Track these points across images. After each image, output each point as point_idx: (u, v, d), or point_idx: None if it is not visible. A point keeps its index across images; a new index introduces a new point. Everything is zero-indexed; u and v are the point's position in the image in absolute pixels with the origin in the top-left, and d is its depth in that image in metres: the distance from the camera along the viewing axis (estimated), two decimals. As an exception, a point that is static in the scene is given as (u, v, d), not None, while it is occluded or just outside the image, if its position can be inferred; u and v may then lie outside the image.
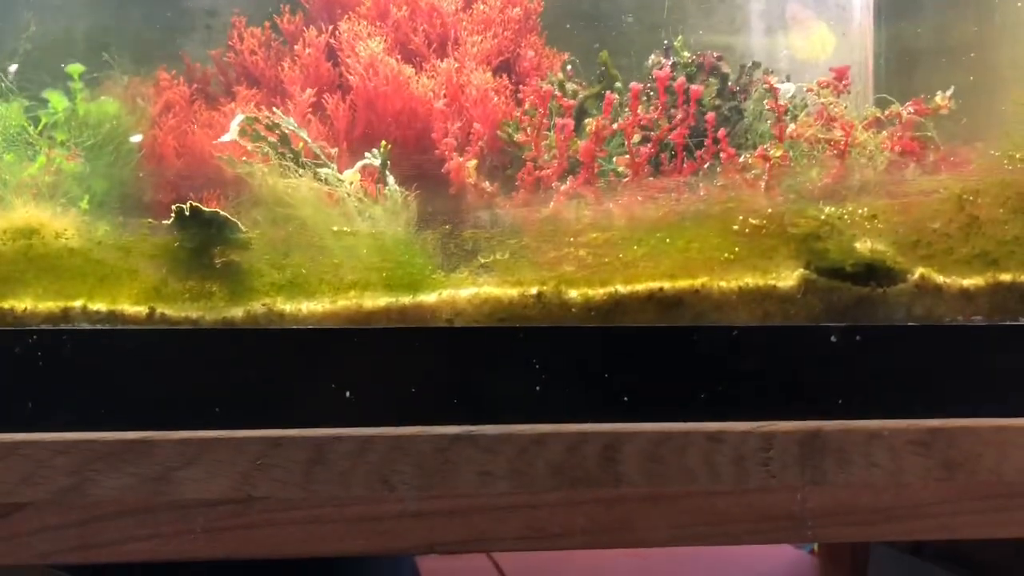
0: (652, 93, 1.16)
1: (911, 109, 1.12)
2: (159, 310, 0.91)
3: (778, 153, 1.00)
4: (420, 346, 0.89)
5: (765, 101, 1.13)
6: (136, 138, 1.25)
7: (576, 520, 0.88)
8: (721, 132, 1.03)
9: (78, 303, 0.91)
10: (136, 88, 1.28)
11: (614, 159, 1.08)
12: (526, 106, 1.18)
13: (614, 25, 1.44)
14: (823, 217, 0.96)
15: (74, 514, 0.84)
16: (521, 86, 1.25)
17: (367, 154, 1.14)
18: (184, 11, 1.48)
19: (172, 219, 0.92)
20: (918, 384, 0.93)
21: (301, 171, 1.06)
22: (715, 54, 1.25)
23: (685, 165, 1.05)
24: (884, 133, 1.05)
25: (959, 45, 1.31)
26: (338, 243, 0.96)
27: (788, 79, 1.19)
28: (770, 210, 0.96)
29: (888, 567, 1.55)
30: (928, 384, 0.93)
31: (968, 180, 0.98)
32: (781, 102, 1.03)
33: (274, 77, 1.33)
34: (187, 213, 0.90)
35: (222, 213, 0.92)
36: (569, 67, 1.33)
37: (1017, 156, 0.97)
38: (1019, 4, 1.26)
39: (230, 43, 1.41)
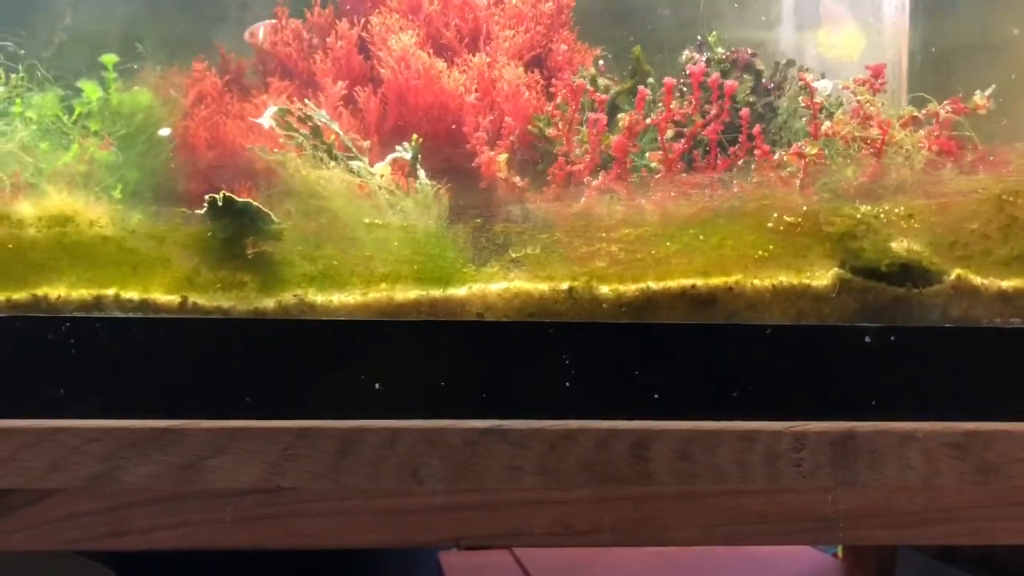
0: (686, 89, 1.15)
1: (949, 108, 1.10)
2: (191, 299, 0.91)
3: (813, 151, 0.99)
4: (450, 340, 0.89)
5: (800, 98, 1.12)
6: (166, 131, 1.26)
7: (604, 517, 0.88)
8: (756, 129, 1.02)
9: (111, 291, 0.92)
10: (170, 79, 1.29)
11: (647, 155, 1.07)
12: (558, 100, 1.17)
13: (647, 20, 1.44)
14: (859, 216, 0.94)
15: (104, 501, 0.85)
16: (553, 80, 1.24)
17: (398, 147, 1.14)
18: (219, 1, 1.49)
19: (205, 209, 0.92)
20: (954, 387, 0.92)
21: (333, 163, 1.06)
22: (749, 50, 1.24)
23: (719, 162, 1.04)
24: (921, 132, 1.04)
25: (997, 43, 1.29)
26: (369, 235, 0.96)
27: (823, 76, 1.18)
28: (805, 208, 0.95)
29: (917, 573, 1.53)
30: (964, 387, 0.92)
31: (1007, 180, 0.96)
32: (816, 99, 1.01)
33: (307, 69, 1.33)
34: (220, 203, 0.90)
35: (254, 203, 0.92)
36: (601, 62, 1.32)
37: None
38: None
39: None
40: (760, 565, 1.69)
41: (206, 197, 0.91)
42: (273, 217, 0.93)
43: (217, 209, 0.91)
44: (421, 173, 1.12)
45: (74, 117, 1.16)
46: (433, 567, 1.61)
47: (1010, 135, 1.09)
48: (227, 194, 0.90)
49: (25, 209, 0.93)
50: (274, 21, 1.36)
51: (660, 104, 1.07)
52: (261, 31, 1.36)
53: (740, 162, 1.03)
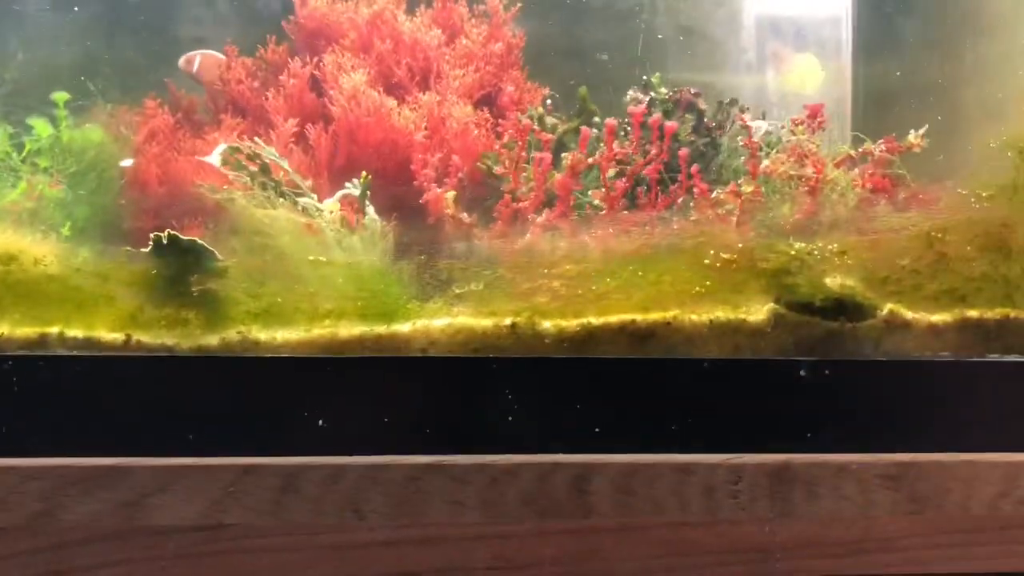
0: (628, 128, 1.18)
1: (883, 147, 1.14)
2: (135, 337, 0.92)
3: (749, 189, 1.02)
4: (393, 376, 0.90)
5: (740, 138, 1.15)
6: (127, 162, 1.26)
7: (546, 551, 0.89)
8: (694, 168, 1.05)
9: (55, 329, 0.92)
10: (121, 116, 1.30)
11: (590, 192, 1.09)
12: (505, 139, 1.19)
13: (595, 59, 1.47)
14: (793, 252, 0.97)
15: (45, 539, 0.84)
16: (501, 120, 1.27)
17: (347, 184, 1.15)
18: (172, 40, 1.50)
19: (150, 247, 0.92)
20: (887, 418, 0.94)
21: (281, 200, 1.08)
22: (692, 90, 1.28)
23: (659, 200, 1.07)
24: (856, 170, 1.07)
25: (931, 86, 1.34)
26: (315, 272, 0.97)
27: (764, 116, 1.21)
28: (741, 245, 0.98)
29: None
30: (896, 418, 0.94)
31: (936, 218, 1.00)
32: (754, 139, 1.04)
33: (259, 106, 1.35)
34: (165, 241, 0.91)
35: (200, 242, 0.92)
36: (549, 101, 1.35)
37: (984, 195, 0.99)
38: (985, 47, 1.29)
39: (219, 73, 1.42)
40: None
41: (151, 235, 0.92)
42: (218, 255, 0.94)
43: (162, 247, 0.91)
44: (370, 209, 1.14)
45: (23, 154, 1.16)
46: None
47: (941, 173, 1.13)
48: (172, 232, 0.91)
49: (-32, 247, 0.93)
50: (210, 52, 1.38)
51: (603, 144, 1.10)
52: (197, 60, 1.37)
53: (680, 200, 1.06)
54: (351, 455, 0.87)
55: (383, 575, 0.88)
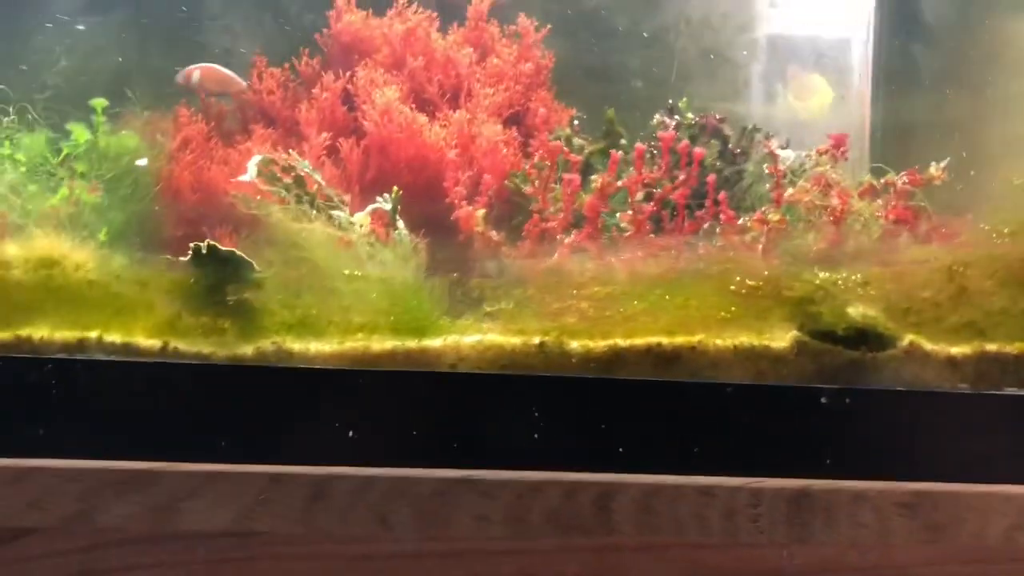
0: (656, 152, 1.20)
1: (905, 179, 1.16)
2: (172, 344, 0.94)
3: (776, 217, 1.03)
4: (423, 389, 0.92)
5: (765, 165, 1.17)
6: (142, 161, 1.28)
7: (569, 567, 0.90)
8: (721, 195, 1.07)
9: (94, 334, 0.94)
10: (155, 123, 1.32)
11: (617, 215, 1.11)
12: (535, 159, 1.21)
13: (623, 81, 1.49)
14: (817, 282, 0.99)
15: (79, 540, 0.86)
16: (530, 139, 1.29)
17: (378, 198, 1.17)
18: (203, 49, 1.52)
19: (189, 256, 0.94)
20: (905, 447, 0.96)
21: (315, 213, 1.10)
22: (717, 116, 1.30)
23: (686, 224, 1.09)
24: (879, 201, 1.09)
25: (953, 120, 1.36)
26: (348, 286, 0.99)
27: (788, 143, 1.23)
28: (766, 272, 1.00)
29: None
30: (914, 448, 0.96)
31: (958, 252, 1.02)
32: (780, 167, 1.06)
33: (289, 118, 1.37)
34: (204, 251, 0.93)
35: (238, 252, 0.95)
36: (576, 122, 1.37)
37: (1005, 231, 1.01)
38: (1010, 85, 1.31)
39: (248, 82, 1.45)
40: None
41: (191, 245, 0.94)
42: (255, 266, 0.96)
43: (201, 257, 0.93)
44: (400, 224, 1.16)
45: (60, 159, 1.19)
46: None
47: (962, 207, 1.15)
48: (212, 243, 0.93)
49: (11, 250, 0.95)
50: (208, 65, 1.40)
51: (632, 167, 1.12)
52: (195, 74, 1.39)
53: (706, 225, 1.08)
54: (380, 466, 0.89)
55: (408, 585, 0.90)
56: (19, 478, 0.84)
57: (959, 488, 0.93)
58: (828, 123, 1.59)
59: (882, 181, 1.13)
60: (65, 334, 0.93)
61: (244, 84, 1.38)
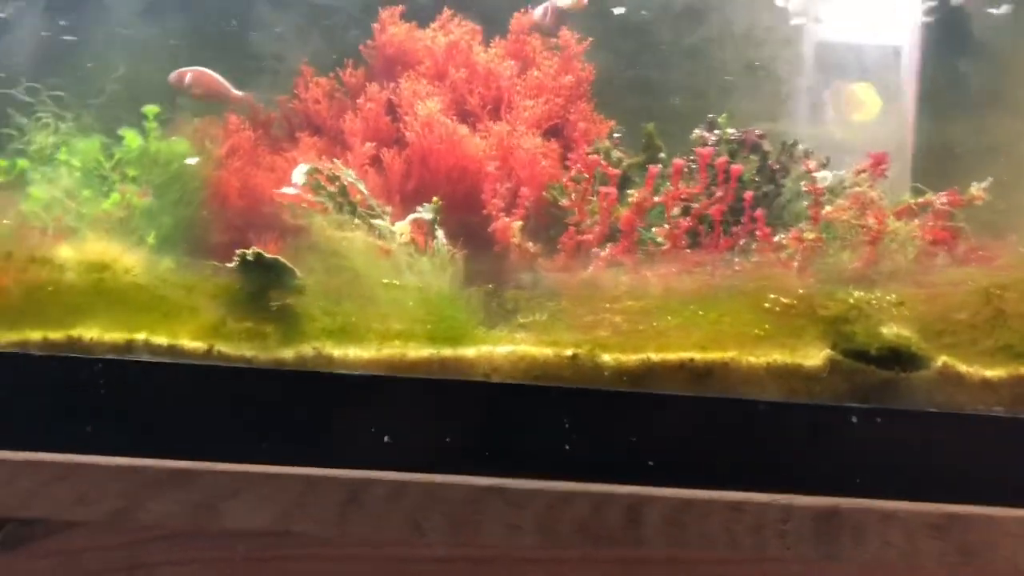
0: (694, 167, 1.21)
1: (944, 199, 1.15)
2: (217, 347, 0.97)
3: (812, 236, 1.04)
4: (457, 398, 0.94)
5: (803, 183, 1.17)
6: (192, 160, 1.32)
7: (596, 577, 0.92)
8: (759, 212, 1.07)
9: (141, 336, 0.97)
10: (205, 129, 1.36)
11: (653, 229, 1.12)
12: (573, 173, 1.23)
13: (663, 95, 1.50)
14: (851, 301, 0.99)
15: (124, 536, 0.89)
16: (569, 152, 1.30)
17: (418, 208, 1.19)
18: (252, 55, 1.56)
19: (236, 263, 0.97)
20: (936, 469, 0.95)
21: (357, 221, 1.12)
22: (757, 132, 1.30)
23: (722, 240, 1.09)
24: (916, 221, 1.09)
25: (998, 140, 1.35)
26: (387, 294, 1.02)
27: (828, 161, 1.23)
28: (801, 291, 1.00)
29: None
30: (946, 470, 0.95)
31: (996, 275, 1.01)
32: (823, 183, 1.07)
33: (335, 127, 1.40)
34: (250, 258, 0.96)
35: (282, 260, 0.97)
36: (616, 135, 1.39)
37: (1045, 254, 1.01)
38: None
39: (295, 91, 1.48)
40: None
41: (237, 252, 0.97)
42: (298, 273, 0.99)
43: (247, 264, 0.96)
44: (440, 233, 1.18)
45: (113, 163, 1.23)
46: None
47: (1002, 229, 1.14)
48: (257, 250, 0.96)
49: (66, 253, 0.99)
50: (199, 69, 1.43)
51: (668, 182, 1.13)
52: (188, 76, 1.42)
53: (742, 241, 1.09)
54: (413, 471, 0.91)
55: (439, 590, 0.92)
56: (67, 473, 0.88)
57: (993, 512, 0.93)
58: (874, 137, 1.58)
59: (920, 200, 1.13)
60: (114, 335, 0.97)
61: (239, 94, 1.41)
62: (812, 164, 1.16)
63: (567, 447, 0.93)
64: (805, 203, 1.15)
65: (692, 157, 1.23)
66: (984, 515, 0.93)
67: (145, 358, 0.97)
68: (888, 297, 1.01)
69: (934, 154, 1.49)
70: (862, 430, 0.95)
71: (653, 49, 1.56)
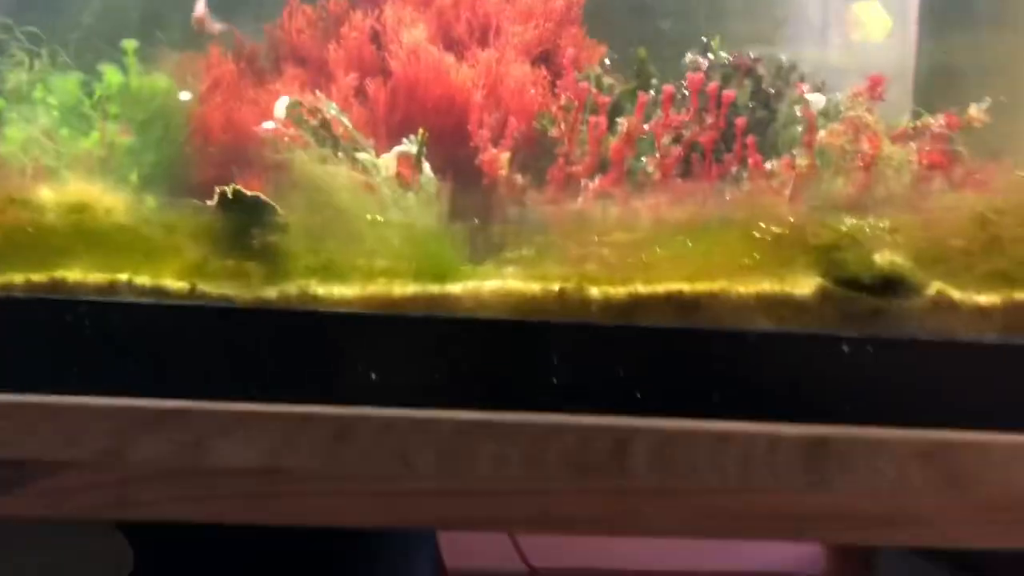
0: (687, 93, 1.18)
1: (943, 121, 1.13)
2: (199, 286, 0.96)
3: (804, 163, 1.02)
4: (443, 334, 0.93)
5: (797, 107, 1.14)
6: (186, 96, 1.29)
7: (585, 508, 0.92)
8: (749, 139, 1.05)
9: (124, 276, 0.96)
10: (186, 64, 1.33)
11: (644, 158, 1.10)
12: (562, 101, 1.20)
13: (658, 18, 1.46)
14: (844, 228, 0.98)
15: (112, 475, 0.90)
16: (558, 81, 1.27)
17: (404, 140, 1.17)
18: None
19: (215, 200, 0.96)
20: (927, 397, 0.95)
21: (340, 155, 1.10)
22: (752, 56, 1.27)
23: (713, 169, 1.07)
24: (913, 145, 1.07)
25: (997, 63, 1.31)
26: (371, 231, 1.00)
27: (823, 85, 1.20)
28: (792, 219, 0.98)
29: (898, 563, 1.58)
30: (937, 398, 0.95)
31: (993, 200, 0.99)
32: (812, 111, 1.04)
33: (319, 58, 1.37)
34: (230, 196, 0.94)
35: (263, 197, 0.96)
36: (607, 60, 1.35)
37: (1042, 177, 0.98)
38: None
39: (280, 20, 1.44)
40: (744, 547, 1.73)
41: (216, 189, 0.96)
42: (279, 210, 0.98)
43: (227, 201, 0.95)
44: (426, 167, 1.16)
45: (94, 101, 1.20)
46: (432, 546, 1.66)
47: (1000, 151, 1.12)
48: (237, 188, 0.95)
49: (45, 195, 0.98)
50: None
51: (659, 110, 1.10)
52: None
53: (734, 169, 1.06)
54: (401, 407, 0.91)
55: (428, 521, 0.93)
56: (54, 415, 0.88)
57: (981, 438, 0.93)
58: (876, 60, 1.54)
59: (917, 123, 1.10)
60: (97, 276, 0.96)
61: (219, 27, 1.37)
62: (805, 88, 1.14)
63: (555, 380, 0.93)
64: (800, 128, 1.12)
65: (685, 83, 1.21)
66: (972, 441, 0.93)
67: (129, 299, 0.96)
68: (881, 224, 0.99)
69: (937, 75, 1.45)
70: (853, 358, 0.94)
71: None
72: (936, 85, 1.44)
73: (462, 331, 0.94)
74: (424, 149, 1.17)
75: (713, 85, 1.09)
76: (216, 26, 1.43)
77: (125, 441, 0.88)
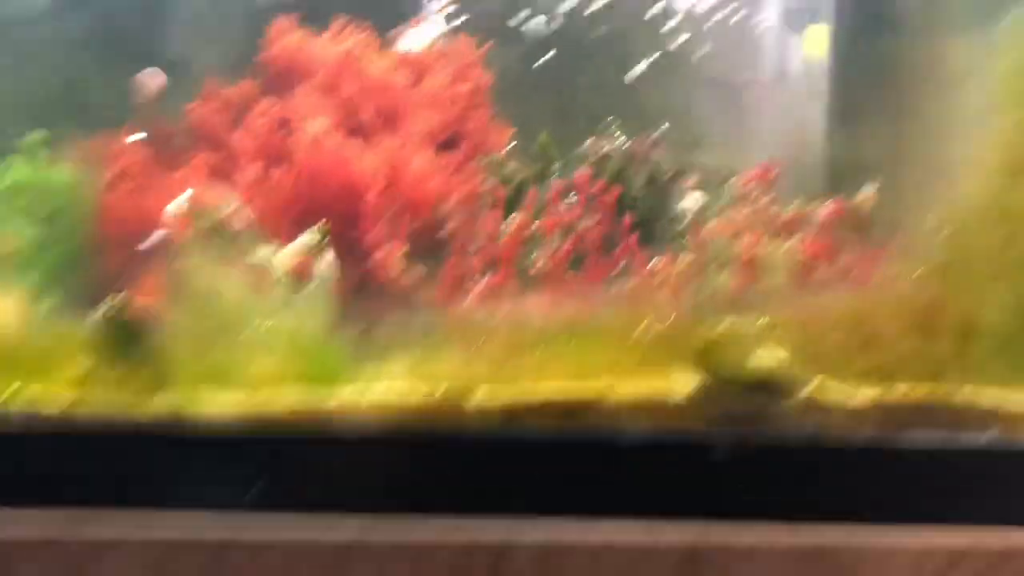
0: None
1: (830, 208, 1.15)
2: (83, 397, 0.96)
3: (687, 259, 1.04)
4: (324, 450, 0.94)
5: (679, 206, 1.16)
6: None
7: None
8: (632, 238, 1.07)
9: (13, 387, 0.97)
10: (93, 152, 1.33)
11: (534, 255, 1.12)
12: (457, 196, 1.21)
13: (560, 96, 1.48)
14: (721, 328, 0.99)
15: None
16: (455, 173, 1.28)
17: (304, 234, 1.18)
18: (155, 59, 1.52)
19: (100, 318, 0.97)
20: (805, 495, 0.97)
21: (235, 253, 1.11)
22: (651, 138, 1.28)
23: (600, 267, 1.09)
24: (796, 237, 1.09)
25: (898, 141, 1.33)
26: (258, 336, 1.01)
27: (702, 181, 1.22)
28: (672, 318, 1.00)
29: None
30: (815, 496, 0.97)
31: (867, 297, 1.01)
32: (692, 209, 1.06)
33: (228, 142, 1.38)
34: (111, 315, 0.95)
35: (138, 321, 0.96)
36: (513, 143, 1.37)
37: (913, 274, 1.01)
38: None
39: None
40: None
41: (101, 307, 0.96)
42: (164, 321, 0.98)
43: (108, 321, 0.96)
44: (327, 259, 1.17)
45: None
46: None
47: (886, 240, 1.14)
48: (117, 307, 0.95)
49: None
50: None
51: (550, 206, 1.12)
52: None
53: (621, 266, 1.08)
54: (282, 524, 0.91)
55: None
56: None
57: (858, 536, 0.94)
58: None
59: (802, 212, 1.12)
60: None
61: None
62: (688, 183, 1.16)
63: (433, 493, 0.94)
64: (685, 223, 1.14)
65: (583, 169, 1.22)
66: (848, 540, 0.94)
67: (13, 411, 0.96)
68: (760, 321, 1.01)
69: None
70: (732, 459, 0.96)
71: (561, 45, 1.53)
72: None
73: (342, 446, 0.95)
74: (326, 240, 1.18)
75: (600, 184, 1.11)
76: (157, 79, 1.44)
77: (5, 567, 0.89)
